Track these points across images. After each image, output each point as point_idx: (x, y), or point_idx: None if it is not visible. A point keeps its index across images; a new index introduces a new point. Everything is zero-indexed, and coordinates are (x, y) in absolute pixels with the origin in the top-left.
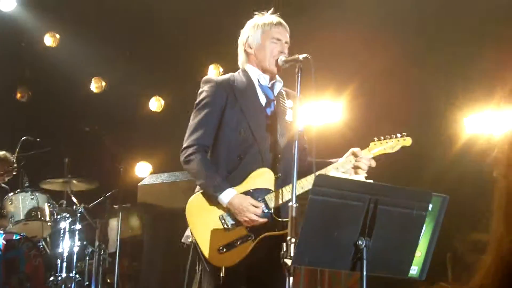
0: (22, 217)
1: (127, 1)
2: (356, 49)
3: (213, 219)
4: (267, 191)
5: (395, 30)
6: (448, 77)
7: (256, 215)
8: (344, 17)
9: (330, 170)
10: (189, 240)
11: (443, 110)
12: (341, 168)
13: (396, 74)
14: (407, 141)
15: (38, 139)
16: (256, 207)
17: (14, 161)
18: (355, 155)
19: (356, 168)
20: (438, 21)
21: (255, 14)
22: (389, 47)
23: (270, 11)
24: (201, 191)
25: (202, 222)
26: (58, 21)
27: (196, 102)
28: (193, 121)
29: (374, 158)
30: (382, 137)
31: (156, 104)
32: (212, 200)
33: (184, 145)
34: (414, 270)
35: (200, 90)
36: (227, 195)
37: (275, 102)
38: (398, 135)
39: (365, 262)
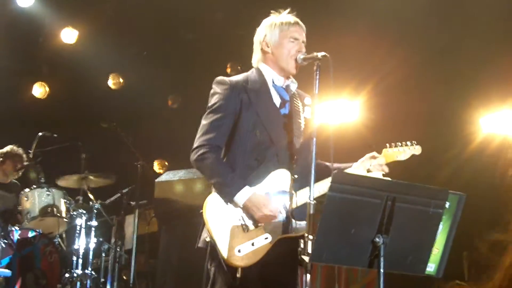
0: (38, 213)
1: None
2: (374, 49)
3: (231, 218)
4: (284, 193)
5: (412, 32)
6: (464, 77)
7: (273, 212)
8: (363, 17)
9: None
10: (207, 239)
11: (459, 110)
12: (357, 172)
13: (413, 75)
14: (418, 150)
15: (55, 135)
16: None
17: (25, 157)
18: (373, 157)
19: (368, 171)
20: (455, 24)
21: (272, 13)
22: (407, 48)
23: (287, 11)
24: (217, 189)
25: (220, 222)
26: (76, 17)
27: (209, 104)
28: (206, 121)
29: (386, 164)
30: (394, 144)
31: (174, 101)
32: (229, 199)
33: (196, 144)
34: (431, 268)
35: (213, 91)
36: (244, 193)
37: (289, 103)
38: (409, 143)
39: (382, 259)
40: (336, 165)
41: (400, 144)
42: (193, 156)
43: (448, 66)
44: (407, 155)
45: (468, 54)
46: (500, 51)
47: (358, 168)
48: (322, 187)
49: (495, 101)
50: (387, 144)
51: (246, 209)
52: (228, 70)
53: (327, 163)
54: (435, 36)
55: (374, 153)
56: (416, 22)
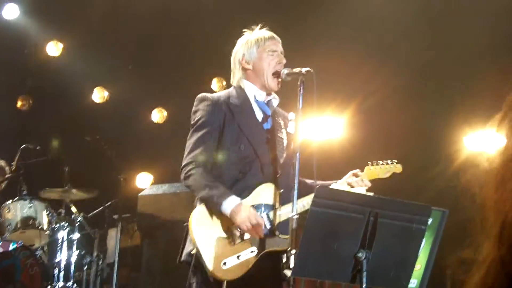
0: (19, 225)
1: (131, 12)
2: (359, 67)
3: (217, 231)
4: (270, 206)
5: (397, 51)
6: (448, 96)
7: (259, 222)
8: (348, 36)
9: None
10: (192, 252)
11: (443, 128)
12: (340, 185)
13: (397, 93)
14: (398, 168)
15: (38, 147)
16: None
17: (8, 170)
18: (355, 175)
19: (350, 185)
20: (439, 41)
21: (245, 32)
22: (391, 67)
23: (258, 27)
24: (205, 199)
25: (206, 235)
26: (61, 30)
27: (193, 122)
28: (190, 140)
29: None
30: (375, 162)
31: (158, 115)
32: (217, 211)
33: (184, 163)
34: (413, 284)
35: (195, 108)
36: (231, 203)
37: (271, 118)
38: (389, 161)
39: (364, 274)
40: (319, 182)
41: (381, 162)
42: (182, 175)
43: (432, 85)
44: (388, 173)
45: (451, 73)
46: (483, 71)
47: (342, 184)
48: (305, 201)
49: (479, 120)
50: (369, 162)
51: (232, 218)
52: (214, 86)
53: (311, 181)
54: (419, 55)
55: (357, 171)
56: (400, 42)
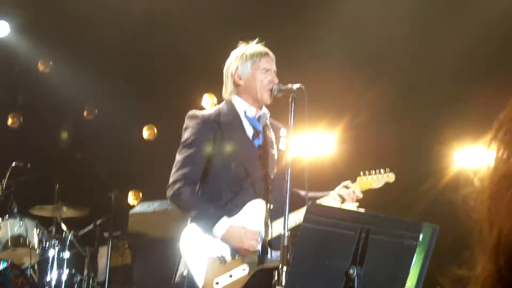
0: (10, 243)
1: (121, 30)
2: (350, 84)
3: (208, 250)
4: (261, 223)
5: (388, 66)
6: (438, 113)
7: (253, 240)
8: (339, 53)
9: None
10: (184, 273)
11: (433, 144)
12: (332, 202)
13: (388, 109)
14: (391, 177)
15: (29, 165)
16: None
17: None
18: (346, 188)
19: (341, 198)
20: (430, 59)
21: (240, 44)
22: (382, 83)
23: (255, 41)
24: (195, 221)
25: (197, 254)
26: (52, 48)
27: (183, 140)
28: (180, 156)
29: (362, 192)
30: (368, 172)
31: (149, 132)
32: (207, 231)
33: (171, 180)
34: None
35: (185, 126)
36: (223, 225)
37: (262, 133)
38: (382, 170)
39: None
40: (311, 193)
41: (374, 172)
42: (169, 192)
43: (422, 101)
44: (381, 183)
45: (442, 89)
46: (474, 87)
47: (334, 195)
48: (297, 217)
49: (469, 136)
50: (361, 172)
51: (225, 241)
52: (204, 102)
53: (302, 192)
54: (409, 72)
55: (348, 182)
56: (391, 58)
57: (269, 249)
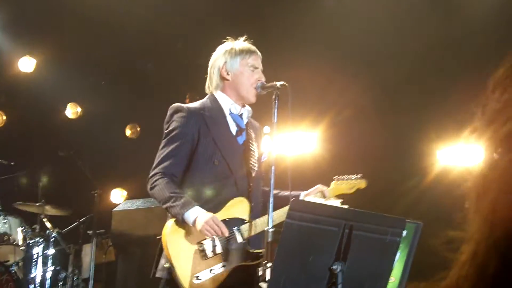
0: None
1: (103, 28)
2: (332, 82)
3: (190, 246)
4: (242, 221)
5: (370, 64)
6: (421, 111)
7: (217, 224)
8: (320, 50)
9: None
10: (165, 265)
11: (416, 142)
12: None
13: (370, 107)
14: (362, 184)
15: (12, 163)
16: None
17: None
18: (323, 195)
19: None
20: (413, 56)
21: (228, 40)
22: (364, 81)
23: (243, 38)
24: (169, 210)
25: (180, 248)
26: (34, 46)
27: (166, 131)
28: (162, 150)
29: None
30: (341, 177)
31: (132, 130)
32: (188, 225)
33: (151, 173)
34: None
35: (169, 119)
36: (194, 213)
37: (245, 131)
38: (353, 177)
39: (340, 286)
40: (285, 193)
41: (346, 177)
42: (148, 186)
43: (405, 99)
44: (353, 189)
45: (424, 88)
46: (455, 85)
47: (307, 198)
48: (278, 214)
49: (452, 134)
50: (335, 177)
51: (195, 226)
52: (187, 101)
53: (276, 191)
54: (392, 70)
55: (325, 189)
56: (373, 55)
57: (248, 247)
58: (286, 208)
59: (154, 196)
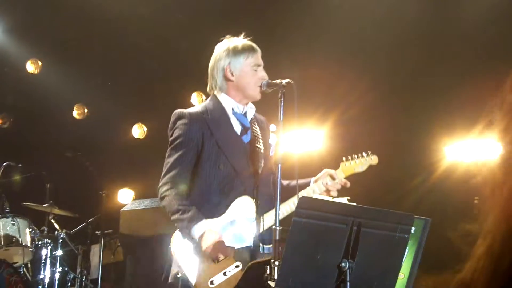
0: (2, 242)
1: (108, 29)
2: (339, 80)
3: (199, 251)
4: (250, 219)
5: (378, 62)
6: (429, 107)
7: (221, 253)
8: (328, 48)
9: (307, 192)
10: (178, 276)
11: (424, 139)
12: (317, 190)
13: (377, 104)
14: (374, 160)
15: (20, 165)
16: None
17: None
18: (332, 177)
19: (327, 191)
20: (420, 53)
21: (226, 38)
22: (371, 79)
23: (241, 36)
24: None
25: (189, 255)
26: (41, 48)
27: (171, 139)
28: (169, 159)
29: (346, 178)
30: (350, 157)
31: (139, 131)
32: (185, 233)
33: (160, 183)
34: None
35: (172, 125)
36: (200, 228)
37: (250, 129)
38: (365, 154)
39: (348, 284)
40: (293, 182)
41: (356, 156)
42: (159, 196)
43: (412, 96)
44: (365, 166)
45: (431, 84)
46: (463, 81)
47: (317, 185)
48: (287, 207)
49: (459, 130)
50: (344, 158)
51: (200, 244)
52: (193, 100)
53: (284, 182)
54: (400, 67)
55: (333, 172)
56: (381, 53)
57: (260, 244)
58: (294, 198)
59: (164, 207)
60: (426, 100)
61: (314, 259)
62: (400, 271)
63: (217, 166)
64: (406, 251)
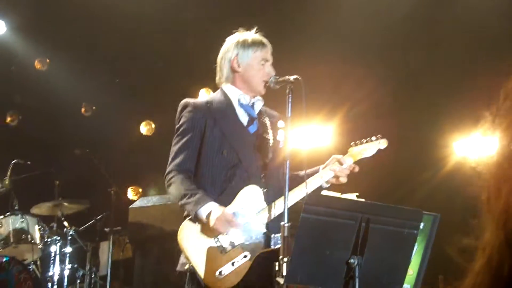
0: (12, 240)
1: (116, 27)
2: (347, 75)
3: (207, 242)
4: (258, 208)
5: (385, 58)
6: (437, 102)
7: (229, 220)
8: (335, 44)
9: (316, 179)
10: (186, 267)
11: (432, 134)
12: (325, 177)
13: (386, 100)
14: (383, 143)
15: (29, 162)
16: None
17: (0, 185)
18: (340, 162)
19: (336, 177)
20: (427, 50)
21: (238, 31)
22: (380, 74)
23: (253, 30)
24: (183, 206)
25: (197, 247)
26: (48, 46)
27: (176, 127)
28: (174, 147)
29: (355, 163)
30: (359, 142)
31: (146, 128)
32: (201, 222)
33: (167, 171)
34: None
35: (178, 115)
36: (207, 208)
37: (257, 120)
38: (373, 137)
39: (357, 280)
40: (302, 172)
41: (364, 140)
42: (165, 183)
43: (420, 91)
44: (374, 150)
45: (440, 79)
46: (471, 76)
47: (325, 171)
48: (296, 195)
49: (468, 125)
50: (352, 143)
51: (208, 222)
52: (200, 97)
53: (293, 173)
54: (408, 62)
55: (341, 157)
56: (389, 49)
57: (268, 233)
58: (303, 185)
59: (171, 194)
60: (435, 95)
61: (322, 255)
62: (409, 267)
63: (221, 152)
64: (415, 247)
